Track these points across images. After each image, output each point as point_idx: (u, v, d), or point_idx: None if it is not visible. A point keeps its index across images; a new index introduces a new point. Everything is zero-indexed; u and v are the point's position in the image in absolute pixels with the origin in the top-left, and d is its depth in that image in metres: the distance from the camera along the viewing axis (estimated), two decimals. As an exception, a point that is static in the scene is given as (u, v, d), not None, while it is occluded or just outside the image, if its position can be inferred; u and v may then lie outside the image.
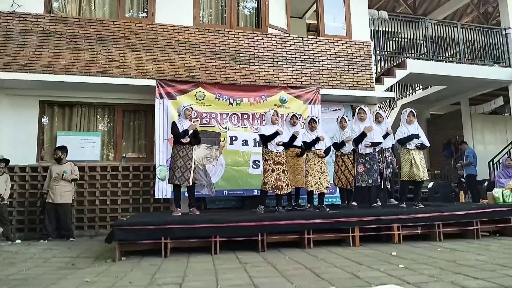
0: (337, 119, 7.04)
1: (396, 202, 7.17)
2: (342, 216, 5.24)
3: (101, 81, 7.47)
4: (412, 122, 6.26)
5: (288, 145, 6.14)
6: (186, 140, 5.84)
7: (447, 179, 11.54)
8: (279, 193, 5.81)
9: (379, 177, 6.22)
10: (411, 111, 6.33)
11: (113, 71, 7.66)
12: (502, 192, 6.96)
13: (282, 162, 5.91)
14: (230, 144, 7.78)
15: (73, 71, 7.49)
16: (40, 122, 7.76)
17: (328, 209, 5.82)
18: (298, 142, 6.31)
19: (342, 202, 7.12)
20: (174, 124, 5.98)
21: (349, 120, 6.96)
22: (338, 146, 6.68)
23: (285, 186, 5.83)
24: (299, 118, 8.01)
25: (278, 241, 5.11)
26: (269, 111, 6.27)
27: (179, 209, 5.93)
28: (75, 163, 7.20)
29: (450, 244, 5.14)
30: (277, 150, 5.88)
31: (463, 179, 10.13)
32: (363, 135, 6.18)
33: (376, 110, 7.26)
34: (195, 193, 6.41)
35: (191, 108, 6.20)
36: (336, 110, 8.87)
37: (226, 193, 7.65)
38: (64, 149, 7.15)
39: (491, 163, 10.63)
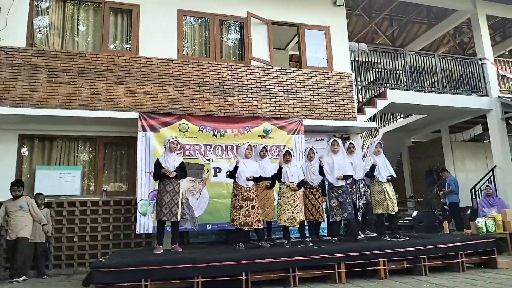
0: (304, 150, 6.96)
1: (374, 234, 7.10)
2: (327, 252, 5.13)
3: (82, 114, 7.37)
4: (379, 153, 6.31)
5: (259, 179, 6.07)
6: (172, 174, 5.72)
7: (430, 206, 11.57)
8: (249, 229, 5.75)
9: (353, 210, 6.13)
10: (378, 143, 6.40)
11: (95, 104, 7.57)
12: (485, 222, 7.00)
13: (251, 197, 5.80)
14: (214, 176, 7.67)
15: (54, 105, 7.39)
16: (19, 156, 7.56)
17: (311, 244, 5.69)
18: (268, 174, 6.23)
19: (310, 234, 6.83)
20: (156, 163, 5.88)
21: (317, 153, 6.84)
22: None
23: (255, 222, 5.71)
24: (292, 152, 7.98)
25: (263, 279, 4.96)
26: (243, 144, 6.22)
27: (161, 246, 5.77)
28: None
29: (436, 278, 5.06)
30: (246, 185, 5.80)
31: (446, 207, 10.17)
32: (373, 168, 6.15)
33: (349, 141, 7.23)
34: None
35: (177, 141, 6.10)
36: (319, 140, 8.90)
37: (210, 227, 7.48)
38: (21, 183, 6.76)
39: (473, 190, 10.71)
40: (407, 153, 14.52)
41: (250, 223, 5.68)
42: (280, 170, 6.06)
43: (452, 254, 5.53)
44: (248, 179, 5.80)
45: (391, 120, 13.83)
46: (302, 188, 6.35)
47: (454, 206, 9.78)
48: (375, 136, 13.04)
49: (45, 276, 6.72)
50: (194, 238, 7.78)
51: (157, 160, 5.94)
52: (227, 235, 7.69)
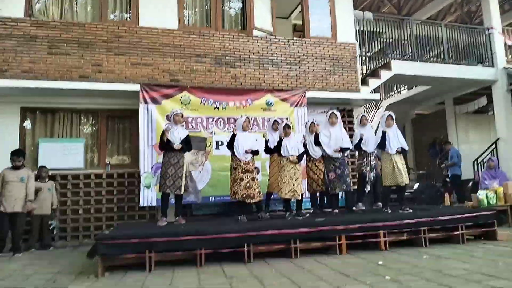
0: (306, 123, 6.94)
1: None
2: (328, 225, 5.19)
3: (83, 87, 7.31)
4: (391, 126, 6.23)
5: (257, 152, 6.05)
6: (178, 146, 5.71)
7: (433, 179, 11.60)
8: (251, 201, 5.76)
9: (351, 181, 6.17)
10: (389, 115, 6.30)
11: (96, 75, 7.51)
12: (486, 194, 7.04)
13: (251, 169, 5.83)
14: (216, 149, 7.67)
15: (55, 76, 7.33)
16: (22, 129, 7.56)
17: (307, 215, 5.74)
18: (293, 150, 6.07)
19: (313, 207, 7.01)
20: (162, 134, 5.82)
21: (318, 125, 6.80)
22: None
23: (257, 194, 5.76)
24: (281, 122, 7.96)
25: (265, 251, 5.04)
26: (240, 117, 6.18)
27: (165, 218, 5.82)
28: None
29: (436, 250, 5.13)
30: (245, 158, 5.81)
31: (448, 179, 10.19)
32: (383, 138, 6.11)
33: (361, 113, 7.20)
34: (181, 200, 6.36)
35: (181, 113, 6.01)
36: (322, 112, 8.80)
37: (213, 199, 7.56)
38: (22, 153, 6.67)
39: (475, 162, 10.70)
40: (410, 126, 14.45)
41: (252, 195, 5.72)
42: (279, 142, 6.04)
43: (453, 226, 5.57)
44: (246, 152, 5.80)
45: (395, 91, 13.69)
46: (303, 160, 6.34)
47: (456, 179, 9.79)
48: (378, 108, 12.94)
49: (51, 248, 6.84)
50: (197, 210, 7.87)
51: (163, 131, 5.87)
52: (230, 207, 7.76)
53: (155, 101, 7.43)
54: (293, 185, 5.86)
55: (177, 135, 5.81)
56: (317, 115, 8.67)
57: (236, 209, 6.24)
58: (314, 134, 6.53)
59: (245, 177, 5.74)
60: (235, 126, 6.30)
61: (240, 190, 5.69)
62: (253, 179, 5.79)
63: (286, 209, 6.15)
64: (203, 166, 7.53)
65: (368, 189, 6.86)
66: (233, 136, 5.85)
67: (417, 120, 14.59)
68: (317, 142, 6.23)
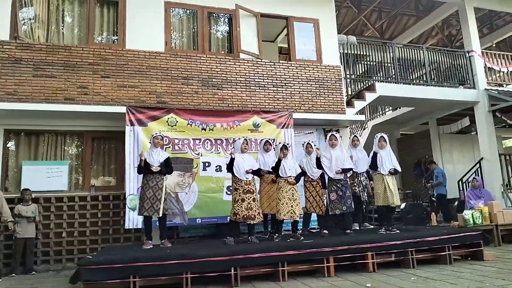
0: (302, 144, 6.97)
1: (372, 226, 7.17)
2: (316, 246, 5.15)
3: (69, 109, 7.25)
4: (383, 147, 6.28)
5: (263, 172, 6.07)
6: (156, 169, 5.67)
7: (419, 198, 11.67)
8: (251, 222, 5.70)
9: (352, 203, 6.17)
10: (381, 136, 6.35)
11: (81, 98, 7.45)
12: (472, 214, 7.08)
13: (252, 190, 5.80)
14: (203, 170, 7.62)
15: (40, 99, 7.25)
16: (5, 151, 7.41)
17: (302, 238, 5.71)
18: (291, 171, 6.11)
19: (303, 227, 6.86)
20: (140, 158, 5.82)
21: (315, 145, 6.83)
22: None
23: (257, 215, 5.73)
24: (273, 143, 8.00)
25: (252, 274, 4.96)
26: (238, 139, 6.21)
27: (150, 241, 5.75)
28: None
29: (423, 271, 5.12)
30: (246, 178, 5.79)
31: (434, 199, 10.26)
32: (374, 160, 6.20)
33: (353, 134, 7.30)
34: (167, 222, 6.27)
35: (161, 136, 6.03)
36: (308, 133, 8.89)
37: (200, 221, 7.45)
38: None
39: (460, 182, 10.83)
40: (395, 146, 14.58)
41: (253, 216, 5.68)
42: (278, 162, 6.04)
43: (439, 246, 5.58)
44: (247, 172, 5.79)
45: (380, 112, 13.89)
46: (302, 180, 6.36)
47: (441, 198, 9.87)
48: (364, 129, 13.09)
49: (33, 272, 6.64)
50: (184, 232, 7.74)
51: (141, 153, 5.89)
52: (217, 229, 7.67)
53: (141, 123, 7.39)
54: (292, 206, 5.85)
55: (156, 158, 5.78)
56: (303, 136, 8.73)
57: (227, 230, 6.17)
58: (310, 155, 6.53)
59: (246, 198, 5.72)
60: (233, 148, 6.29)
61: (241, 211, 5.64)
62: (254, 200, 5.77)
63: (276, 230, 6.09)
64: (189, 187, 7.46)
65: (364, 209, 6.91)
66: (232, 159, 5.83)
67: (402, 140, 14.77)
68: (319, 165, 6.24)
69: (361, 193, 6.88)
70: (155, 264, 4.55)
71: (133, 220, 7.02)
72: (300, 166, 6.40)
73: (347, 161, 6.23)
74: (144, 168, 5.73)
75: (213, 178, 7.63)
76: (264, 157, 6.57)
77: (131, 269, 4.47)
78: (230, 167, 5.84)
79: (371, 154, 6.35)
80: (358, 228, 7.00)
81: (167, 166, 5.87)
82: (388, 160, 6.20)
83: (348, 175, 6.50)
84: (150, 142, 6.02)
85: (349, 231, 6.09)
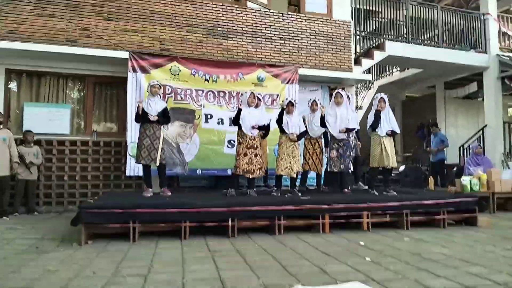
0: (308, 101, 6.89)
1: (365, 187, 7.24)
2: (313, 203, 5.23)
3: (70, 51, 7.12)
4: (383, 108, 6.18)
5: (264, 128, 6.02)
6: (153, 118, 5.65)
7: (418, 162, 11.74)
8: (250, 176, 5.77)
9: (351, 163, 6.21)
10: (381, 98, 6.23)
11: (83, 40, 7.31)
12: (470, 180, 7.14)
13: (255, 146, 5.81)
14: (205, 122, 7.62)
15: (41, 39, 7.11)
16: (6, 91, 7.37)
17: (299, 194, 5.80)
18: (294, 128, 6.04)
19: (303, 185, 6.98)
20: (137, 107, 5.79)
21: (321, 104, 6.79)
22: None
23: (257, 170, 5.78)
24: (277, 98, 7.95)
25: (249, 227, 5.08)
26: (245, 92, 6.11)
27: (150, 189, 5.83)
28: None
29: (417, 233, 5.23)
30: (251, 133, 5.77)
31: (432, 161, 10.29)
32: (377, 119, 6.10)
33: (336, 90, 7.14)
34: (168, 171, 6.35)
35: (158, 85, 5.92)
36: (313, 90, 8.78)
37: (200, 172, 7.55)
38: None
39: (461, 148, 10.83)
40: (400, 108, 14.47)
41: (252, 171, 5.74)
42: (281, 115, 5.98)
43: (435, 210, 5.66)
44: (253, 127, 5.77)
45: (387, 73, 13.64)
46: (303, 139, 6.35)
47: (441, 163, 9.86)
48: (369, 89, 12.92)
49: (35, 213, 6.82)
50: (184, 182, 7.87)
51: (140, 102, 5.84)
52: (217, 180, 7.78)
53: (144, 70, 7.29)
54: (290, 162, 5.88)
55: (153, 107, 5.74)
56: (308, 93, 8.62)
57: (227, 182, 6.25)
58: (315, 112, 6.48)
59: (249, 152, 5.75)
60: (240, 101, 6.20)
61: (242, 165, 5.69)
62: (255, 155, 5.79)
63: (276, 185, 6.15)
64: (191, 138, 7.48)
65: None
66: (239, 111, 5.77)
67: (407, 102, 14.62)
68: (323, 123, 6.20)
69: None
70: (155, 211, 4.65)
71: (134, 168, 7.09)
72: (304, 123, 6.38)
73: (352, 121, 6.18)
74: (141, 116, 5.70)
75: (214, 131, 7.64)
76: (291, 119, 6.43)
77: (131, 215, 4.56)
78: (236, 120, 5.78)
79: (372, 112, 6.27)
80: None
81: (164, 116, 5.83)
82: (387, 121, 6.14)
83: (351, 135, 6.45)
84: (147, 91, 5.94)
85: (346, 190, 6.16)
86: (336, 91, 6.48)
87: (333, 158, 6.16)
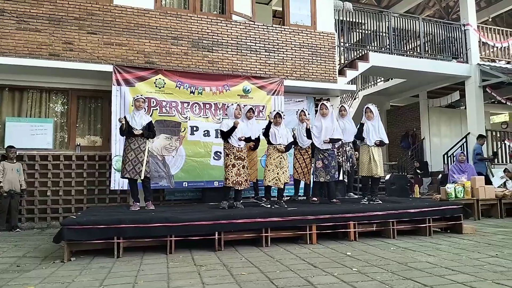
0: (296, 112, 6.96)
1: (356, 196, 7.28)
2: (299, 214, 5.22)
3: (53, 65, 7.06)
4: (371, 118, 6.26)
5: (250, 140, 6.06)
6: (138, 132, 5.63)
7: (403, 170, 11.85)
8: (238, 188, 5.76)
9: (337, 173, 6.24)
10: (367, 107, 6.31)
11: (66, 54, 7.25)
12: (454, 188, 7.22)
13: (243, 157, 5.83)
14: (191, 134, 7.59)
15: (24, 53, 7.03)
16: (-13, 106, 7.26)
17: (286, 206, 5.79)
18: (254, 136, 6.16)
19: (296, 194, 7.10)
20: (125, 118, 5.77)
21: (308, 114, 6.89)
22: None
23: (244, 182, 5.80)
24: (263, 110, 7.98)
25: (235, 239, 5.04)
26: (231, 104, 6.13)
27: (137, 203, 5.79)
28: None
29: (403, 242, 5.25)
30: (238, 145, 5.78)
31: (418, 171, 10.42)
32: (360, 130, 6.22)
33: (340, 104, 7.27)
34: (153, 184, 6.31)
35: (142, 98, 5.90)
36: (299, 101, 8.84)
37: (186, 185, 7.49)
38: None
39: (445, 156, 10.98)
40: (384, 117, 14.67)
41: (240, 182, 5.75)
42: (268, 127, 6.01)
43: (420, 218, 5.70)
44: (240, 139, 5.78)
45: (372, 83, 13.84)
46: (292, 149, 6.40)
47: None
48: (354, 99, 13.06)
49: (17, 229, 6.67)
50: (170, 195, 7.82)
51: (124, 117, 5.82)
52: (203, 193, 7.73)
53: (128, 83, 7.25)
54: (277, 173, 5.88)
55: (138, 121, 5.73)
56: (294, 104, 8.68)
57: (211, 195, 6.18)
58: (303, 122, 6.53)
59: (237, 164, 5.75)
60: (227, 116, 6.21)
61: (231, 177, 5.69)
62: (243, 167, 5.81)
63: (265, 196, 6.13)
64: (176, 151, 7.44)
65: (346, 180, 6.98)
66: (233, 129, 5.73)
67: (391, 111, 14.82)
68: (308, 135, 6.29)
69: (343, 163, 6.95)
70: (139, 226, 4.57)
71: (118, 181, 6.99)
72: (293, 134, 6.45)
73: (336, 131, 6.24)
74: (126, 130, 5.67)
75: (200, 143, 7.61)
76: (245, 122, 6.49)
77: (115, 230, 4.48)
78: (228, 134, 5.75)
79: (359, 125, 6.35)
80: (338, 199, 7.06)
81: (149, 130, 5.82)
82: (375, 131, 6.20)
83: (337, 145, 6.52)
84: (132, 105, 5.91)
85: (335, 200, 6.17)
86: (321, 102, 6.54)
87: (318, 169, 6.21)
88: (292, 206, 5.71)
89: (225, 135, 5.77)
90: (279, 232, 5.18)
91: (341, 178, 7.27)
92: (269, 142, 6.04)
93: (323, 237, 5.33)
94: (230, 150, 5.78)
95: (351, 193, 7.44)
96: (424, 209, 5.72)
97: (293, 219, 5.17)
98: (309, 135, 6.33)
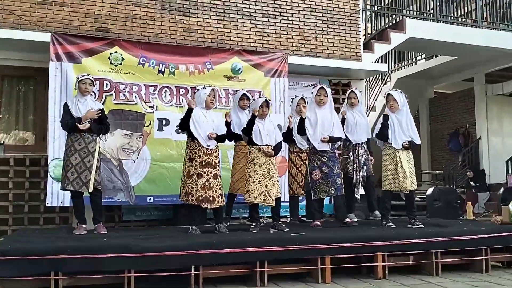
0: (292, 99, 7.01)
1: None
2: (307, 242, 5.22)
3: (-33, 31, 7.06)
4: (395, 109, 6.25)
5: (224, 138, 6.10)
6: (84, 126, 5.62)
7: (452, 182, 11.91)
8: (208, 207, 5.75)
9: (343, 182, 6.26)
10: (389, 94, 6.34)
11: (-14, 17, 7.24)
12: (521, 207, 7.25)
13: (214, 163, 5.81)
14: (158, 130, 7.60)
15: None
16: None
17: (287, 229, 5.80)
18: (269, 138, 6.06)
19: (292, 216, 7.20)
20: (65, 107, 5.75)
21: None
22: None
23: (218, 197, 5.76)
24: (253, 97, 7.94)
25: (219, 276, 5.03)
26: (203, 88, 6.06)
27: (83, 225, 5.77)
28: None
29: (451, 281, 5.27)
30: (207, 145, 5.76)
31: (472, 183, 10.48)
32: (383, 128, 6.19)
33: (350, 89, 7.28)
34: (106, 200, 6.34)
35: (90, 79, 5.87)
36: (309, 86, 8.85)
37: (151, 200, 7.49)
38: None
39: (509, 162, 11.04)
40: (426, 108, 14.73)
41: (211, 198, 5.70)
42: (251, 122, 5.96)
43: (474, 249, 5.72)
44: (209, 138, 5.75)
45: (409, 61, 13.88)
46: (280, 153, 6.39)
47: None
48: (385, 83, 13.12)
49: None
50: (129, 214, 7.84)
51: (65, 104, 5.81)
52: (175, 212, 7.73)
53: (72, 58, 7.21)
54: (266, 186, 5.84)
55: (84, 110, 5.72)
56: (302, 89, 8.70)
57: (188, 215, 6.21)
58: (302, 115, 6.49)
59: (205, 172, 5.71)
60: (193, 98, 6.19)
61: (196, 191, 5.64)
62: (215, 176, 5.77)
63: (252, 217, 6.15)
64: (138, 153, 7.43)
65: (358, 194, 7.00)
66: (189, 111, 5.72)
67: (436, 101, 14.88)
68: (300, 129, 6.25)
69: (354, 172, 6.86)
70: (86, 257, 4.55)
71: (57, 194, 6.94)
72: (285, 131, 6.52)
73: (336, 127, 6.26)
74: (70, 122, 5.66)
75: (172, 142, 7.62)
76: (240, 117, 6.55)
77: (51, 263, 4.45)
78: (185, 123, 5.74)
79: (381, 117, 6.36)
80: (355, 219, 7.08)
81: (100, 122, 5.82)
82: (404, 128, 6.21)
83: (336, 146, 6.55)
84: (75, 88, 5.91)
85: (348, 220, 6.20)
86: (319, 86, 6.57)
87: (317, 181, 6.20)
88: (295, 230, 5.71)
89: (182, 126, 5.80)
90: (280, 266, 5.18)
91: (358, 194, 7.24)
92: (250, 142, 5.99)
93: (340, 273, 5.34)
94: (195, 153, 5.74)
95: (376, 212, 7.43)
96: (479, 236, 5.74)
97: (298, 249, 5.16)
98: (300, 130, 6.31)
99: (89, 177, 5.61)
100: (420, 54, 13.44)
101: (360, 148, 6.84)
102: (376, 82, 13.09)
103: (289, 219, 7.33)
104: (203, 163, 5.72)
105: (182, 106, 7.69)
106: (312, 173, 6.23)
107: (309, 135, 6.21)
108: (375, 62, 9.43)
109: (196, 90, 6.25)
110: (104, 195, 6.29)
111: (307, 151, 6.60)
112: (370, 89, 12.65)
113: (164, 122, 7.61)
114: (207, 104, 5.87)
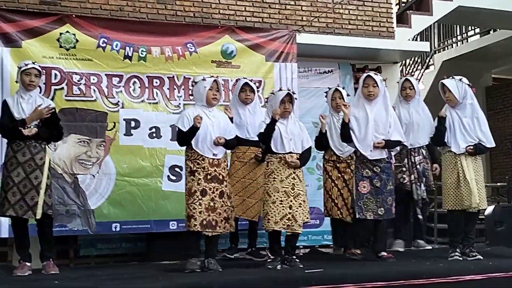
0: (326, 92, 7.07)
1: (429, 247, 7.31)
2: (327, 281, 5.19)
3: None
4: (452, 102, 6.25)
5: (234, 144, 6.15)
6: (30, 131, 5.61)
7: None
8: (210, 234, 5.74)
9: (394, 204, 6.25)
10: (442, 84, 6.34)
11: None
12: None
13: (221, 177, 5.82)
14: (126, 134, 7.62)
15: None
16: None
17: (301, 265, 5.79)
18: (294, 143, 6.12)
19: (335, 244, 7.27)
20: (4, 106, 5.75)
21: (348, 96, 6.97)
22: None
23: (221, 221, 5.76)
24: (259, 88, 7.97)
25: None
26: (203, 79, 6.07)
27: (27, 263, 5.75)
28: None
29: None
30: (213, 154, 5.77)
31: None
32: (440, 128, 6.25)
33: (404, 77, 7.31)
34: (57, 229, 6.37)
35: (36, 69, 5.87)
36: (325, 73, 8.87)
37: (118, 228, 7.48)
38: None
39: None
40: (482, 100, 14.71)
41: (214, 223, 5.70)
42: (271, 125, 5.95)
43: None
44: (215, 144, 5.76)
45: (458, 38, 13.91)
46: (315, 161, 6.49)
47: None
48: (427, 67, 13.14)
49: None
50: (88, 247, 7.85)
51: (4, 102, 5.82)
52: (149, 243, 7.71)
53: (9, 40, 7.25)
54: (290, 207, 5.84)
55: (29, 110, 5.72)
56: (315, 77, 8.72)
57: (164, 246, 6.24)
58: (341, 112, 6.51)
59: (210, 189, 5.72)
60: (192, 96, 6.28)
61: (200, 212, 5.63)
62: (221, 194, 5.78)
63: (271, 249, 6.16)
64: (99, 166, 7.43)
65: (420, 214, 7.04)
66: (195, 129, 5.67)
67: (494, 90, 14.93)
68: (345, 135, 6.24)
69: (413, 185, 6.90)
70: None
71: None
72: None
73: (395, 128, 6.26)
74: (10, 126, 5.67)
75: (144, 150, 7.65)
76: (240, 114, 6.60)
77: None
78: (189, 137, 5.76)
79: (435, 120, 6.39)
80: (402, 249, 7.10)
81: (51, 126, 5.83)
82: (468, 126, 6.21)
83: (393, 153, 6.56)
84: (17, 81, 5.94)
85: (384, 253, 6.20)
86: (365, 74, 6.57)
87: (365, 195, 6.17)
88: (313, 266, 5.69)
89: (184, 138, 5.80)
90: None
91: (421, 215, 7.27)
92: (268, 150, 6.03)
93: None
94: (198, 164, 5.75)
95: (420, 241, 7.43)
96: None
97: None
98: (344, 136, 6.30)
99: (37, 199, 5.58)
100: (473, 28, 13.46)
101: (417, 154, 6.88)
102: (415, 66, 13.11)
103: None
104: (208, 176, 5.73)
105: (156, 102, 7.72)
106: (359, 185, 6.20)
107: (356, 141, 6.19)
108: (412, 39, 9.41)
109: (193, 84, 6.32)
110: (55, 222, 6.24)
111: (348, 159, 6.67)
112: (404, 76, 12.66)
113: (133, 123, 7.63)
114: (208, 100, 5.88)
